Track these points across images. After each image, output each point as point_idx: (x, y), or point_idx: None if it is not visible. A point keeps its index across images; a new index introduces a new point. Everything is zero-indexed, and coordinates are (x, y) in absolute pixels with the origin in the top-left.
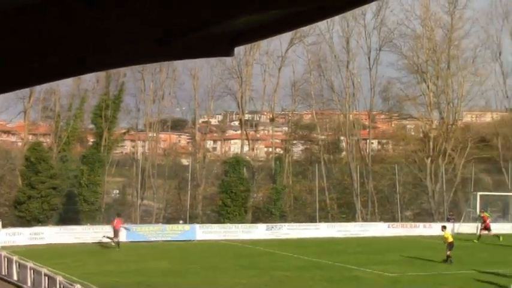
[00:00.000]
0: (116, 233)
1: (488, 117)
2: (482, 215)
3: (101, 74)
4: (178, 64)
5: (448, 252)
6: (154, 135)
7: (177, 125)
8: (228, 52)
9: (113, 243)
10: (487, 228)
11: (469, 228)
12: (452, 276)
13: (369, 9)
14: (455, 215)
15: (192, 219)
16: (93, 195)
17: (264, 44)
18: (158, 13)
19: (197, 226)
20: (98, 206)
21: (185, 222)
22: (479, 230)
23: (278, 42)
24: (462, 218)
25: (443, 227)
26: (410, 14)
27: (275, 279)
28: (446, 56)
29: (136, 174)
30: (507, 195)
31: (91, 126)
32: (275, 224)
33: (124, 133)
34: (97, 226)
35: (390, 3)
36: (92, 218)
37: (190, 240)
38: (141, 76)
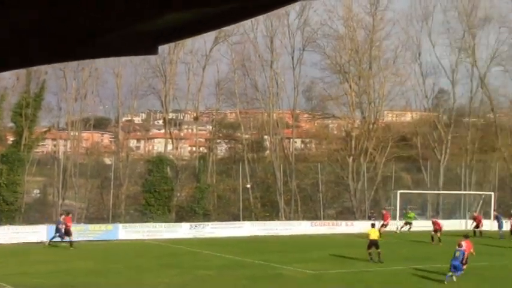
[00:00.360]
0: (68, 231)
1: (408, 117)
2: (383, 212)
3: (22, 72)
4: (101, 62)
5: (369, 250)
6: (77, 134)
7: (100, 124)
8: (152, 50)
9: (64, 243)
10: (384, 225)
11: (390, 226)
12: (373, 273)
13: (293, 9)
14: (376, 213)
15: (115, 218)
16: (13, 195)
17: (188, 42)
18: (82, 13)
19: (120, 226)
20: (18, 206)
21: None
22: (399, 228)
23: (202, 41)
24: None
25: (373, 225)
26: (333, 14)
27: (198, 278)
28: (368, 57)
29: (58, 173)
30: (426, 193)
31: (11, 124)
32: (199, 223)
33: (45, 132)
34: (17, 226)
35: (313, 4)
36: (12, 218)
37: (113, 240)
38: (62, 74)
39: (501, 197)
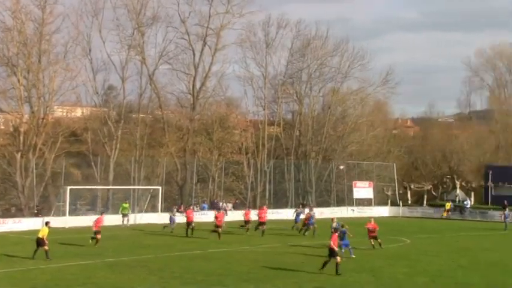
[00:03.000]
0: None
1: (78, 112)
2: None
3: None
4: None
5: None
6: None
7: None
8: None
9: None
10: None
11: (59, 222)
12: (40, 271)
13: None
14: (46, 209)
15: None
16: None
17: None
18: None
19: None
20: None
21: None
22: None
23: None
24: (52, 211)
25: (47, 223)
26: (0, 5)
27: None
28: (37, 50)
29: None
30: (96, 188)
31: None
32: None
33: None
34: None
35: None
36: None
37: None
38: None
39: (168, 191)
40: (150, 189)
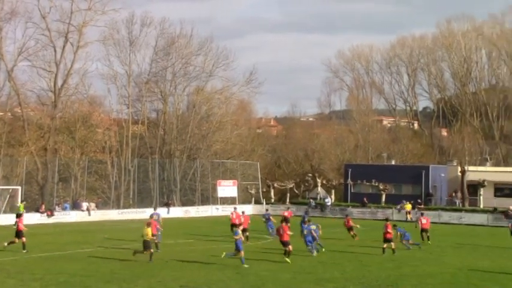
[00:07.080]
0: None
1: None
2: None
3: None
4: None
5: None
6: None
7: None
8: None
9: None
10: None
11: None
12: None
13: None
14: None
15: None
16: None
17: None
18: None
19: None
20: None
21: None
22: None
23: None
24: None
25: None
26: None
27: None
28: None
29: None
30: None
31: None
32: None
33: None
34: None
35: None
36: None
37: None
38: None
39: (28, 191)
40: (9, 189)
